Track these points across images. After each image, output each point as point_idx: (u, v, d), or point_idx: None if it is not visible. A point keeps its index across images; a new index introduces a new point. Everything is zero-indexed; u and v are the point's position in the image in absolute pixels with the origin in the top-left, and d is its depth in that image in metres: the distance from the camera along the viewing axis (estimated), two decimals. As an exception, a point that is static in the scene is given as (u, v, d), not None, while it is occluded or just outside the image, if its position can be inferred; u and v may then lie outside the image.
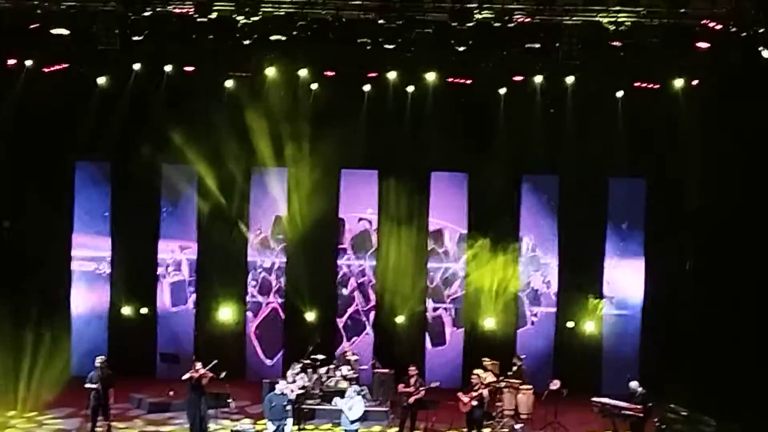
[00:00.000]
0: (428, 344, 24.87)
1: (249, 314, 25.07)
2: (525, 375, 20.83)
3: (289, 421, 16.80)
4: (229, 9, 18.17)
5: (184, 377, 18.73)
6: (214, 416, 19.18)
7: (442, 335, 25.06)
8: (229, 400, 19.72)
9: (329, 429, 18.81)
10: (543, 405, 19.87)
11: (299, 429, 19.16)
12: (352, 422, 16.70)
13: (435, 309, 25.01)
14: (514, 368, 20.78)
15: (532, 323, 24.81)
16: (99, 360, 18.60)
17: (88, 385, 18.27)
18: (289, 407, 16.88)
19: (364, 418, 17.48)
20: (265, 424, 17.28)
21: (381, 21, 18.24)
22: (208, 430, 18.76)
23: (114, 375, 18.66)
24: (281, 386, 17.17)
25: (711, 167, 21.97)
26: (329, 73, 22.84)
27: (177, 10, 18.43)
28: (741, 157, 21.09)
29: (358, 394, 17.10)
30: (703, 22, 18.08)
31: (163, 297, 25.12)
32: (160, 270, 25.06)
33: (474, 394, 18.52)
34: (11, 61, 21.84)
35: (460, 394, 18.92)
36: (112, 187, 24.76)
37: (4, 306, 21.96)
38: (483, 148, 23.65)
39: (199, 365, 18.68)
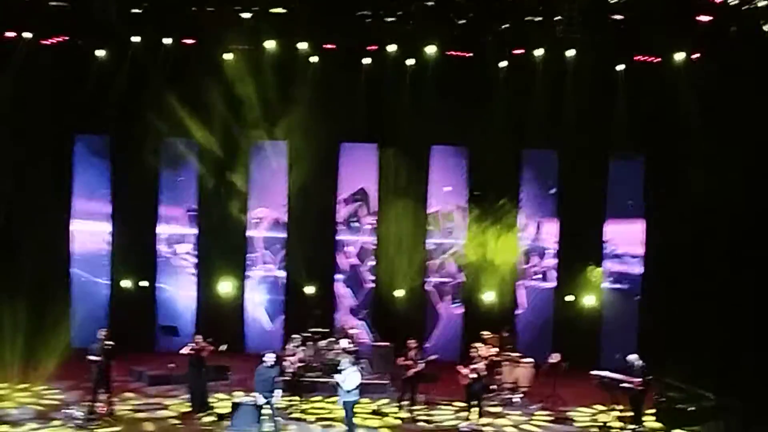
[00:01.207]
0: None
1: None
2: (514, 344, 21.07)
3: (278, 392, 16.82)
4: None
5: (184, 351, 18.80)
6: (214, 389, 19.25)
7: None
8: (229, 373, 19.80)
9: (329, 401, 18.87)
10: (542, 378, 19.94)
11: (300, 401, 19.24)
12: (348, 392, 16.72)
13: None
14: (502, 340, 20.96)
15: (532, 296, 24.87)
16: (101, 333, 18.62)
17: (91, 357, 18.28)
18: (278, 379, 16.91)
19: (362, 388, 17.43)
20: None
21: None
22: (208, 402, 18.86)
23: (116, 347, 18.65)
24: (269, 358, 17.07)
25: (712, 140, 21.91)
26: (329, 46, 22.74)
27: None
28: (742, 129, 21.04)
29: (353, 365, 17.10)
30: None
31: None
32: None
33: (473, 366, 18.58)
34: (9, 34, 21.74)
35: (459, 367, 18.98)
36: (112, 160, 24.72)
37: (4, 280, 22.00)
38: (483, 122, 23.56)
39: (199, 338, 18.76)
